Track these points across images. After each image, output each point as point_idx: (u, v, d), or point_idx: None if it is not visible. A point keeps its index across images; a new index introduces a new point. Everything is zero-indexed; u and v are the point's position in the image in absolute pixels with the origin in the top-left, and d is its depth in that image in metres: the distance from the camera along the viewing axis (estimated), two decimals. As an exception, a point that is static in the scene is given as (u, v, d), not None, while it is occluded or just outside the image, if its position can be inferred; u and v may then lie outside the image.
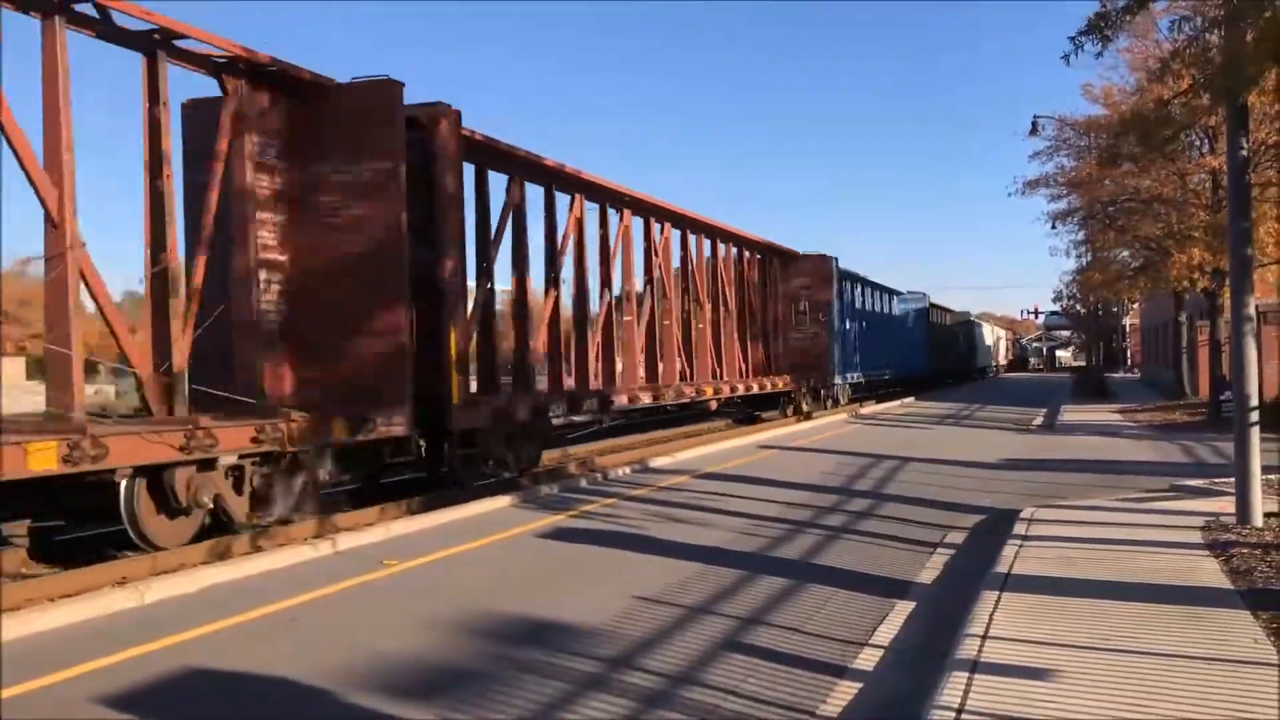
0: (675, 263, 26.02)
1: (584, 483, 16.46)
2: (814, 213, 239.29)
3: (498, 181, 17.34)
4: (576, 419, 23.22)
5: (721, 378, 27.66)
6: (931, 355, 55.65)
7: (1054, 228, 32.84)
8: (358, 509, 13.60)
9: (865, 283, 41.08)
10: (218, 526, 11.48)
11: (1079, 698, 5.47)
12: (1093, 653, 6.29)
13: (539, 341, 19.03)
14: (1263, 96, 17.61)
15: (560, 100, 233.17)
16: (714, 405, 29.22)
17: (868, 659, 6.92)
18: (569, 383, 20.24)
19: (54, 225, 10.41)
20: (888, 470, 17.88)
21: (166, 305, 11.84)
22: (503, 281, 18.04)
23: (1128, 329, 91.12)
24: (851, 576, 9.42)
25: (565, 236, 19.68)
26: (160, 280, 11.85)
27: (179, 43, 11.91)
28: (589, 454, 21.17)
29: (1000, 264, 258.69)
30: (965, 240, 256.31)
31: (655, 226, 24.17)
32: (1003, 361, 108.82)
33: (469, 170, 16.14)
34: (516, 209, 17.74)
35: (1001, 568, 8.85)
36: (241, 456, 11.49)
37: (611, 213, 21.85)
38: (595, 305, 21.18)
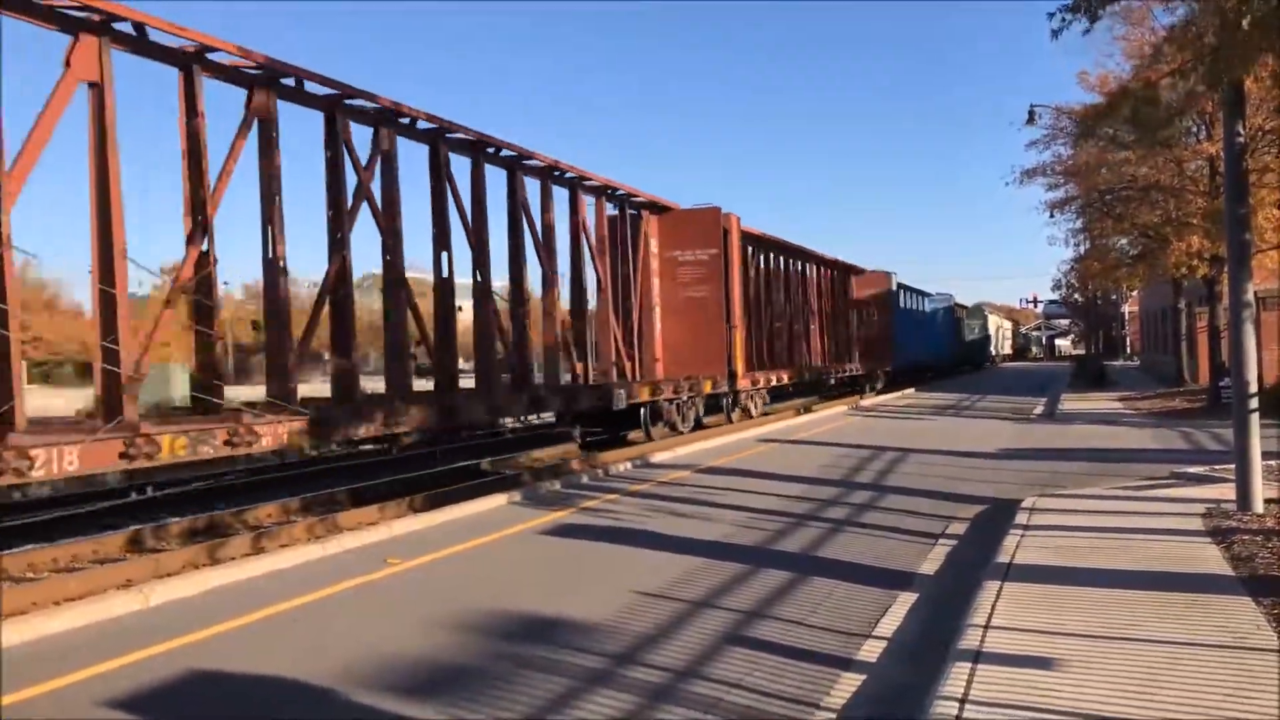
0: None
1: (585, 479, 16.47)
2: (815, 210, 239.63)
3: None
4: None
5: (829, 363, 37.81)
6: (957, 346, 66.75)
7: (1052, 216, 32.84)
8: (358, 508, 13.63)
9: (912, 290, 52.43)
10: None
11: (1082, 686, 5.49)
12: (1095, 641, 6.30)
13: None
14: (1259, 82, 17.65)
15: (560, 99, 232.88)
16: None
17: (871, 651, 6.93)
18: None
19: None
20: (888, 462, 17.88)
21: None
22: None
23: (1127, 317, 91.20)
24: (854, 569, 9.43)
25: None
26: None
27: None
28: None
29: (999, 254, 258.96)
30: (965, 231, 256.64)
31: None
32: (1006, 350, 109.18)
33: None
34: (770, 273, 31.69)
35: (1003, 558, 8.86)
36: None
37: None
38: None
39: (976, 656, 6.08)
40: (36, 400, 23.50)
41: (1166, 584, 7.63)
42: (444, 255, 16.90)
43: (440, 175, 16.84)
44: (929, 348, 56.12)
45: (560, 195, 20.68)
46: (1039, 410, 29.39)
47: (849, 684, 6.25)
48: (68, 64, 10.93)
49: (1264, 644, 6.09)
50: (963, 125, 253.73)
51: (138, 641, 7.49)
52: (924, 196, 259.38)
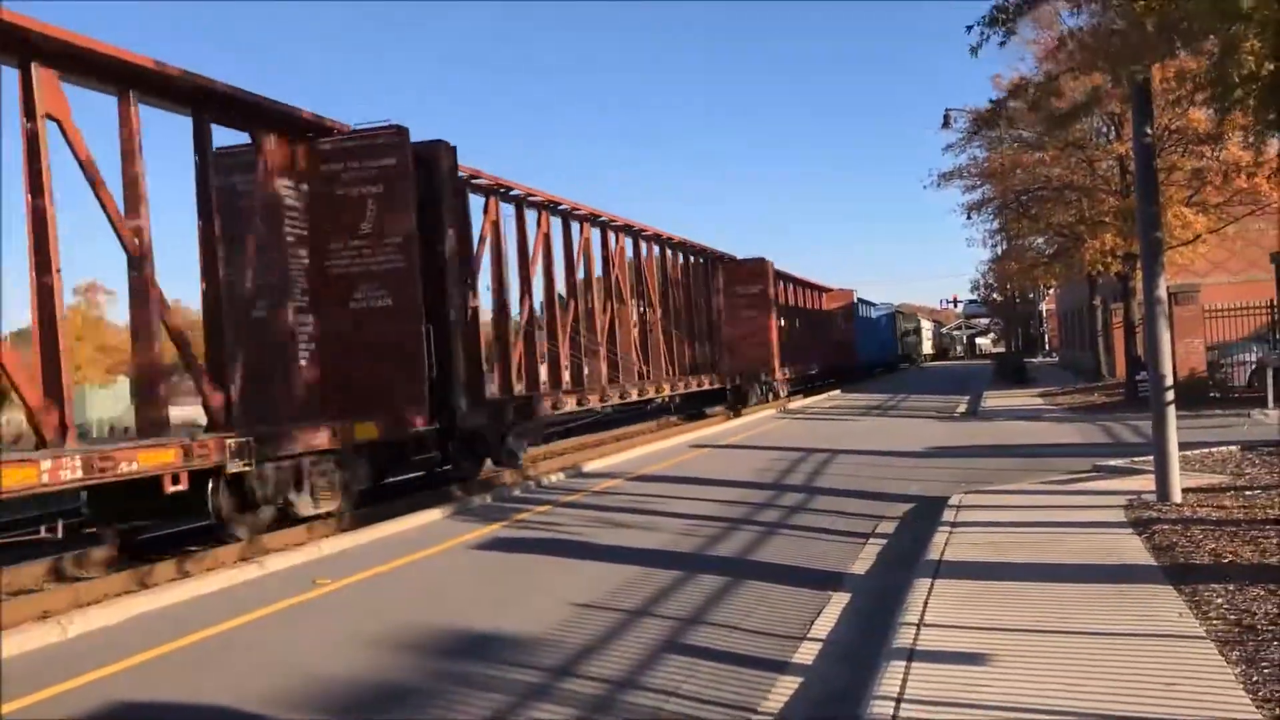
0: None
1: (517, 491, 16.35)
2: (737, 211, 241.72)
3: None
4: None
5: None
6: (898, 347, 78.50)
7: (969, 218, 33.50)
8: (284, 528, 13.35)
9: (866, 303, 63.68)
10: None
11: (1015, 680, 5.56)
12: (1026, 634, 6.39)
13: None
14: (1165, 82, 18.17)
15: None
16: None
17: (806, 653, 6.95)
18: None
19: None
20: (818, 464, 18.05)
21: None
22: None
23: (1045, 314, 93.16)
24: (787, 571, 9.48)
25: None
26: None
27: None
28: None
29: (918, 256, 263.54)
30: (883, 234, 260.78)
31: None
32: (929, 351, 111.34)
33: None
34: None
35: (933, 555, 8.96)
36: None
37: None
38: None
39: (910, 655, 6.13)
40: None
41: (1092, 576, 7.78)
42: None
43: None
44: (880, 350, 69.53)
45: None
46: (962, 408, 29.89)
47: (786, 687, 6.26)
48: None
49: (1188, 630, 6.23)
50: (880, 125, 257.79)
51: (55, 676, 7.23)
52: (844, 199, 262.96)
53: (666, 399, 30.87)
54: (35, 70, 10.81)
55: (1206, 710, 4.93)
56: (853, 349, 57.12)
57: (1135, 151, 11.68)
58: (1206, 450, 14.31)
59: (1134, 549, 8.66)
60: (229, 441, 11.84)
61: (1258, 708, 4.92)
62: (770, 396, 37.34)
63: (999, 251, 37.43)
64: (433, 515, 13.79)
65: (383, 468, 15.52)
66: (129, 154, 11.98)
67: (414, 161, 15.51)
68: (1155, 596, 7.09)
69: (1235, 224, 26.31)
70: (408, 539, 12.32)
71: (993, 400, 32.05)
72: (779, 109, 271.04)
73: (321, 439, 13.40)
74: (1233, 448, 14.57)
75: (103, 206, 11.54)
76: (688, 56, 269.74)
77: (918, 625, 6.76)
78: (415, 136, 15.53)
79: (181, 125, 13.10)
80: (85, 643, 8.25)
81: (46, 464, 9.74)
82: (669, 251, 30.87)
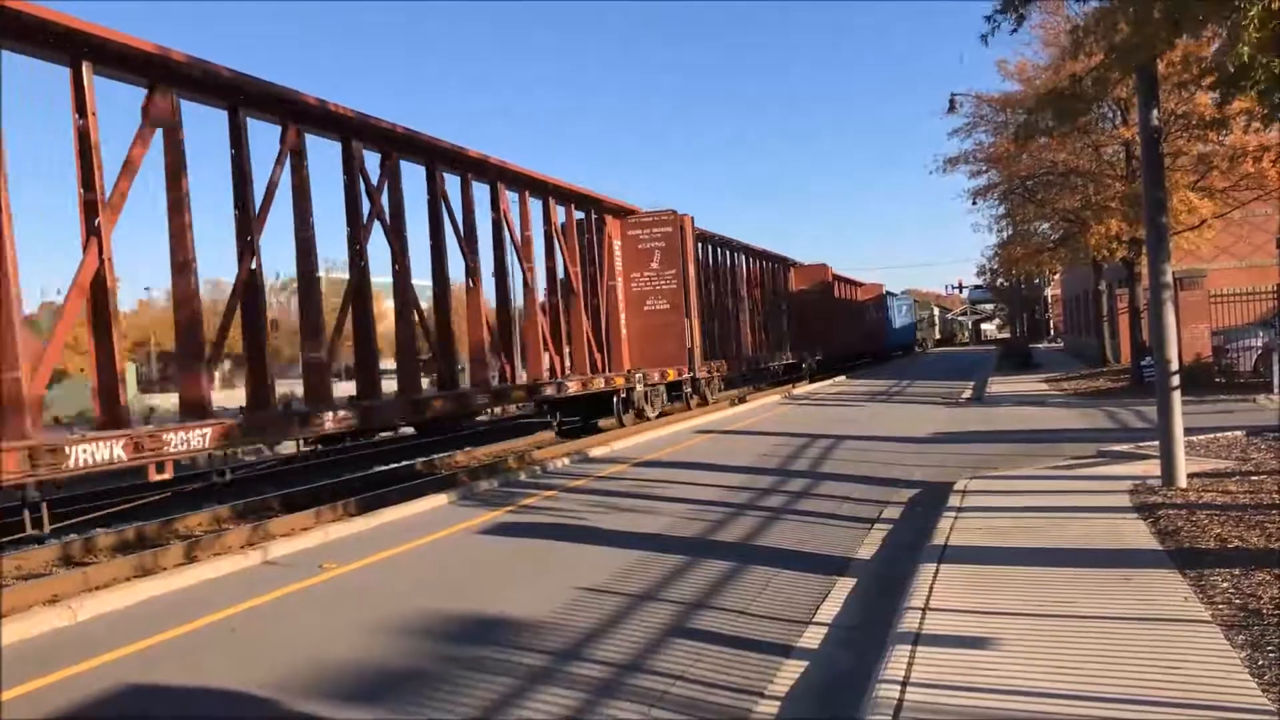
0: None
1: (523, 476, 16.39)
2: (746, 204, 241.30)
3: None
4: None
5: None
6: (910, 332, 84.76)
7: (975, 203, 33.39)
8: (291, 513, 13.41)
9: (895, 296, 74.32)
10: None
11: (1019, 664, 5.58)
12: (1031, 619, 6.41)
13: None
14: (1171, 67, 18.09)
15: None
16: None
17: (812, 637, 6.98)
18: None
19: None
20: (823, 449, 18.05)
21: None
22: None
23: (1050, 300, 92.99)
24: (793, 556, 9.50)
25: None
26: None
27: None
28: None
29: (923, 241, 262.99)
30: (892, 219, 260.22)
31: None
32: (936, 336, 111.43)
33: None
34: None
35: (938, 540, 8.98)
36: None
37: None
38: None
39: (916, 639, 6.16)
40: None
41: (1097, 560, 7.79)
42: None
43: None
44: (902, 335, 78.68)
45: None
46: (967, 394, 29.86)
47: (792, 670, 6.29)
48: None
49: (1192, 615, 6.24)
50: (887, 112, 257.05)
51: (67, 658, 7.29)
52: (850, 185, 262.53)
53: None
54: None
55: (1212, 694, 4.95)
56: (881, 335, 67.12)
57: (1142, 137, 11.63)
58: (1212, 435, 14.32)
59: (1139, 534, 8.67)
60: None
61: (1263, 691, 4.94)
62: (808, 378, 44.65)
63: (1005, 236, 37.30)
64: (438, 500, 13.83)
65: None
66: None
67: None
68: (1161, 581, 7.10)
69: (1241, 209, 26.24)
70: (414, 524, 12.35)
71: (998, 386, 32.02)
72: (783, 98, 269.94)
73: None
74: (1238, 433, 14.57)
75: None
76: (684, 52, 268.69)
77: (923, 609, 6.78)
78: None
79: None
80: (95, 626, 8.30)
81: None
82: (752, 260, 38.00)
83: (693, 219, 28.36)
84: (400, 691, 6.30)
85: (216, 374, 16.63)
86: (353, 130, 15.83)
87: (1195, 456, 12.16)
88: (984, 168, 32.24)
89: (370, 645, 7.35)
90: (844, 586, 8.30)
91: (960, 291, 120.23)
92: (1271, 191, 24.61)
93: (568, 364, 23.05)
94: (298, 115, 14.64)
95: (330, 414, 14.54)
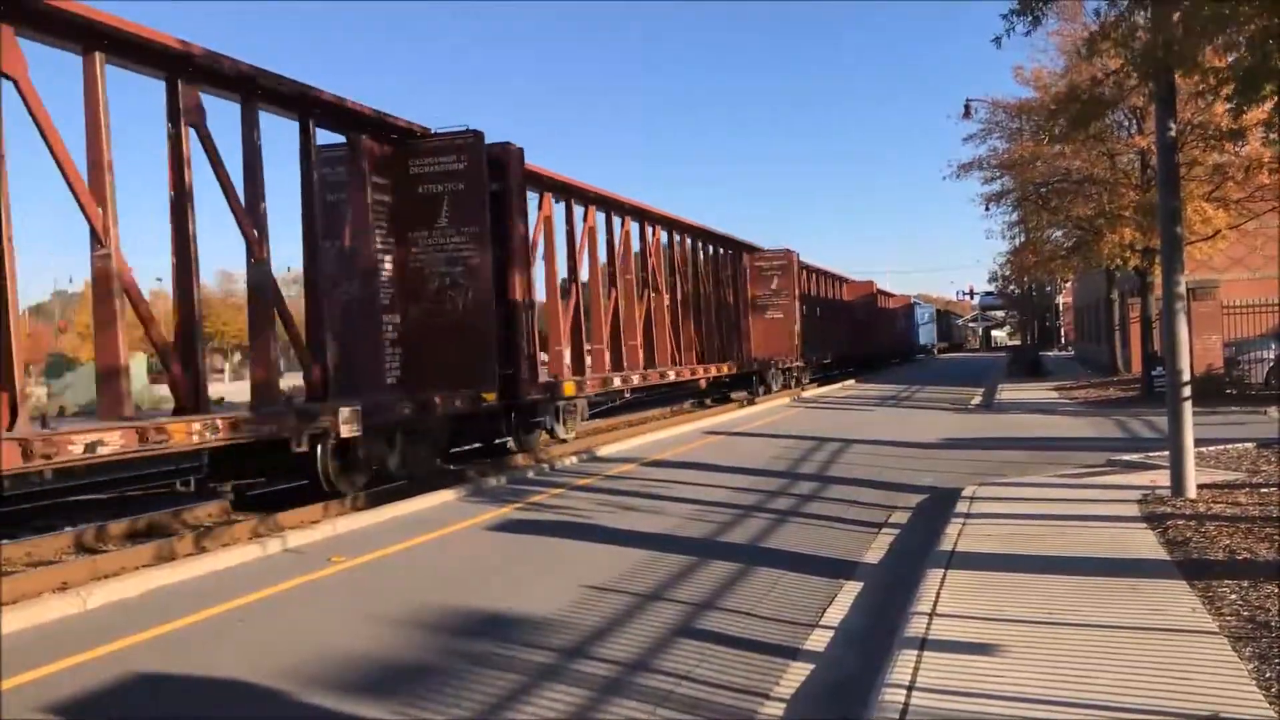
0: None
1: (531, 474, 16.42)
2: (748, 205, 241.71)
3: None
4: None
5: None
6: (916, 337, 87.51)
7: (988, 209, 33.36)
8: (301, 506, 13.45)
9: (922, 305, 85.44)
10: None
11: (1025, 671, 5.58)
12: (1037, 627, 6.41)
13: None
14: (1187, 78, 18.02)
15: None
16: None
17: (819, 640, 6.99)
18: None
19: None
20: (831, 453, 18.05)
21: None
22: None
23: (1061, 307, 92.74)
24: (800, 559, 9.51)
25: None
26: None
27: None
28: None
29: (934, 247, 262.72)
30: (904, 224, 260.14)
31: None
32: (946, 342, 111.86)
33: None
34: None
35: (946, 546, 8.98)
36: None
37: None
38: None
39: (922, 644, 6.16)
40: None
41: (1105, 569, 7.78)
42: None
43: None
44: (927, 339, 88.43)
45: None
46: (977, 400, 29.83)
47: (798, 673, 6.30)
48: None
49: (1200, 626, 6.24)
50: (895, 116, 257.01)
51: (75, 645, 7.34)
52: (864, 191, 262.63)
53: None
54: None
55: (1219, 705, 4.95)
56: (908, 338, 78.09)
57: (1159, 146, 11.59)
58: (1222, 447, 14.28)
59: (1148, 544, 8.66)
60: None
61: (1270, 704, 4.93)
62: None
63: (1017, 243, 37.23)
64: (446, 496, 13.87)
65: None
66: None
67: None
68: (1168, 591, 7.09)
69: (1256, 220, 26.12)
70: (422, 519, 12.40)
71: (1007, 393, 31.96)
72: (792, 97, 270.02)
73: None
74: (1249, 445, 14.53)
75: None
76: (691, 50, 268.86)
77: (930, 615, 6.79)
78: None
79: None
80: (104, 615, 8.34)
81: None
82: (825, 280, 47.03)
83: (798, 255, 38.63)
84: (408, 684, 6.32)
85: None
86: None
87: (1205, 468, 12.14)
88: (998, 174, 32.21)
89: (378, 638, 7.38)
90: (851, 590, 8.30)
91: (971, 297, 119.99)
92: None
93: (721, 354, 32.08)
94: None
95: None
